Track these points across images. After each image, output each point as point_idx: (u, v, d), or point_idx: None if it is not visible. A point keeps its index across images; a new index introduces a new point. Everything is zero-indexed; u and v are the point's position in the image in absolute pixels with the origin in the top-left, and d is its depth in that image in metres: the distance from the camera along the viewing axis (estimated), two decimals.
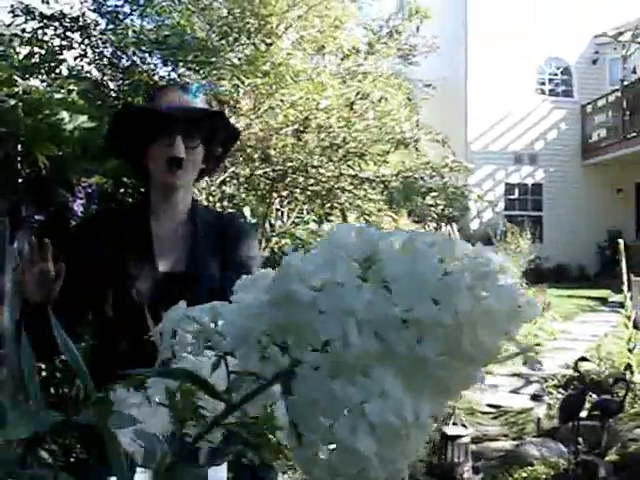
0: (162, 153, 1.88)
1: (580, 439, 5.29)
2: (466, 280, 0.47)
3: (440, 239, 0.50)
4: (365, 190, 5.85)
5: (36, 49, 5.02)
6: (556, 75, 17.99)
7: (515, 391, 7.22)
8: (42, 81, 4.08)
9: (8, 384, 3.92)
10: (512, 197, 17.24)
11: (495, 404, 6.71)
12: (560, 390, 6.93)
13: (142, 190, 2.17)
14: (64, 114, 3.76)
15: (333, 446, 0.45)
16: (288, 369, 0.50)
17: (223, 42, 5.65)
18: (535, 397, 6.51)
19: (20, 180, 3.90)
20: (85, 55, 6.18)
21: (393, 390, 0.45)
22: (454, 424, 4.46)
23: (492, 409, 6.63)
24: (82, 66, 5.84)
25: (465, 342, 0.47)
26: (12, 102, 3.55)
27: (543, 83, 17.93)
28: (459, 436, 4.19)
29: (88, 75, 5.49)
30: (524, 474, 5.16)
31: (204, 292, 1.77)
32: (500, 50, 16.39)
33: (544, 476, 5.10)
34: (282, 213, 6.59)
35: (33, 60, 4.08)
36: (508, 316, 0.49)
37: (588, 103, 17.41)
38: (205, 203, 5.96)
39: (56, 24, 6.10)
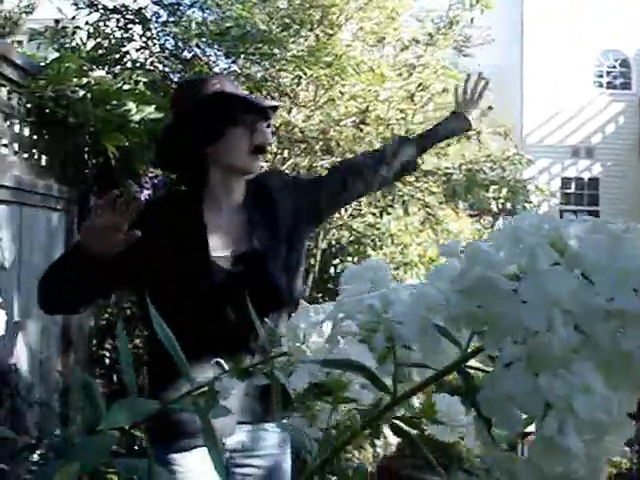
0: (247, 139, 1.85)
1: None
2: None
3: (631, 226, 0.48)
4: (426, 182, 5.80)
5: (101, 41, 5.07)
6: (614, 67, 17.61)
7: None
8: (108, 72, 4.11)
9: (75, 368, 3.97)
10: (568, 191, 16.96)
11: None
12: None
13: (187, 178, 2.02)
14: (131, 105, 3.79)
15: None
16: (465, 358, 0.48)
17: (285, 33, 5.64)
18: None
19: (88, 170, 3.95)
20: (146, 47, 6.24)
21: (596, 385, 0.42)
22: None
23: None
24: (145, 58, 5.89)
25: None
26: (81, 93, 3.59)
27: (601, 75, 17.57)
28: None
29: (151, 67, 5.52)
30: None
31: (272, 270, 1.81)
32: (556, 42, 16.11)
33: (607, 476, 4.99)
34: None
35: (100, 52, 4.11)
36: None
37: None
38: None
39: (118, 16, 6.16)
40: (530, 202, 6.52)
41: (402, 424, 0.54)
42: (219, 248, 1.82)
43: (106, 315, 4.29)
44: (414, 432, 0.55)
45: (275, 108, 2.02)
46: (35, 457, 3.24)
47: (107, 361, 4.22)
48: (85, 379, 0.94)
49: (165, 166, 2.35)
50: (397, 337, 0.48)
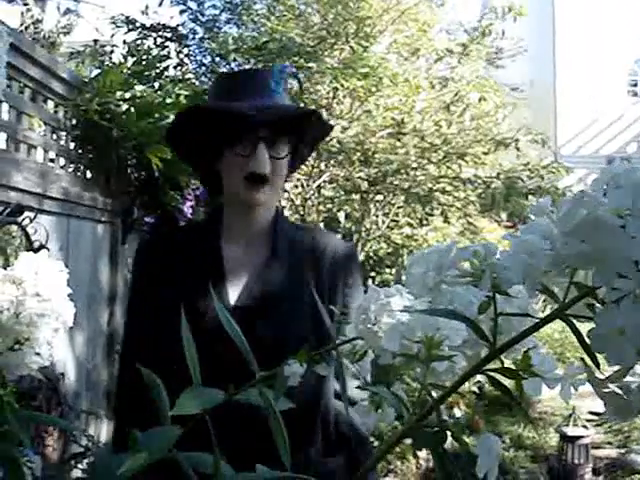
0: (240, 165, 1.49)
1: None
2: None
3: None
4: (465, 192, 5.80)
5: (140, 58, 5.16)
6: None
7: None
8: (149, 87, 4.18)
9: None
10: None
11: (597, 411, 6.52)
12: None
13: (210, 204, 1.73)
14: (173, 118, 3.84)
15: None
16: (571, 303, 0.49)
17: (320, 46, 5.70)
18: None
19: (132, 183, 4.01)
20: (182, 64, 6.33)
21: None
22: (574, 425, 4.35)
23: (594, 416, 6.45)
24: (182, 74, 5.99)
25: None
26: (125, 106, 3.65)
27: (635, 84, 17.45)
28: (580, 437, 4.08)
29: (189, 83, 5.61)
30: None
31: (287, 328, 1.47)
32: (589, 52, 16.04)
33: None
34: (377, 217, 6.57)
35: (140, 67, 4.18)
36: None
37: None
38: (301, 207, 6.01)
39: (155, 35, 6.28)
40: None
41: (499, 376, 0.55)
42: (234, 287, 1.50)
43: None
44: (509, 384, 0.56)
45: (290, 121, 1.54)
46: (83, 465, 3.29)
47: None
48: (149, 375, 0.95)
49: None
50: (504, 281, 0.50)
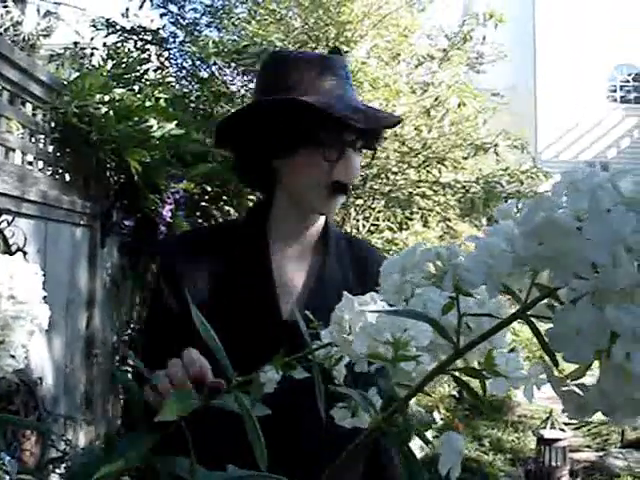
0: (323, 171, 1.33)
1: None
2: None
3: None
4: (445, 196, 5.83)
5: (120, 60, 5.15)
6: (627, 82, 17.65)
7: None
8: (129, 90, 4.17)
9: (98, 382, 4.00)
10: None
11: None
12: None
13: (252, 204, 1.55)
14: (153, 121, 3.84)
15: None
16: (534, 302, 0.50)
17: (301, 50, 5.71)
18: None
19: (111, 186, 4.00)
20: (163, 67, 6.33)
21: None
22: (552, 428, 4.38)
23: (573, 420, 6.49)
24: (161, 78, 5.98)
25: None
26: (104, 109, 3.64)
27: (614, 90, 17.61)
28: (557, 439, 4.11)
29: (169, 86, 5.60)
30: None
31: None
32: (569, 58, 16.17)
33: None
34: (357, 221, 6.58)
35: (119, 70, 4.17)
36: None
37: None
38: None
39: (135, 38, 6.27)
40: None
41: (463, 375, 0.56)
42: (284, 299, 1.35)
43: (129, 330, 4.33)
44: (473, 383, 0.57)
45: (392, 124, 1.45)
46: (61, 470, 3.27)
47: (130, 376, 4.24)
48: (126, 379, 0.95)
49: (225, 146, 1.55)
50: (466, 282, 0.51)
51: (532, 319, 0.51)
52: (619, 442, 5.86)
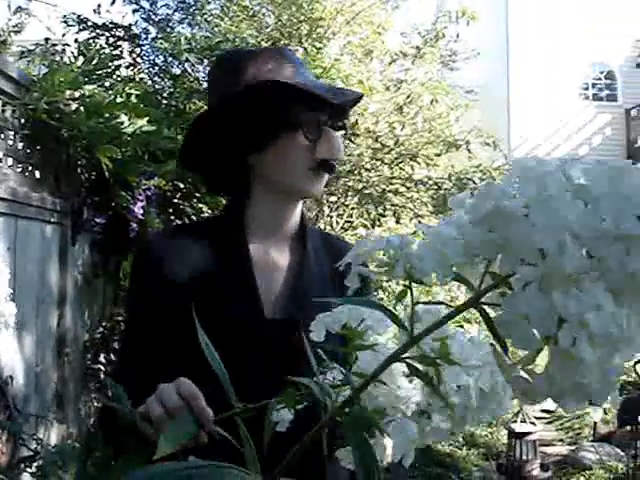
0: (305, 152, 1.31)
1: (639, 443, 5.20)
2: None
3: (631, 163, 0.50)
4: (417, 193, 5.85)
5: (92, 56, 5.11)
6: (599, 79, 17.78)
7: None
8: (99, 86, 4.14)
9: (70, 381, 3.97)
10: None
11: (549, 409, 6.62)
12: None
13: (227, 201, 1.47)
14: (124, 117, 3.81)
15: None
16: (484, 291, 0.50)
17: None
18: (591, 402, 6.40)
19: (82, 183, 3.97)
20: (135, 64, 6.29)
21: (606, 303, 0.45)
22: (522, 421, 4.41)
23: (546, 414, 6.55)
24: (133, 74, 5.94)
25: None
26: (74, 106, 3.61)
27: (586, 88, 17.72)
28: (528, 433, 4.14)
29: (141, 82, 5.57)
30: (582, 478, 5.09)
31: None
32: (542, 55, 16.27)
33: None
34: (331, 218, 6.59)
35: (90, 66, 4.13)
36: None
37: (633, 107, 17.18)
38: None
39: (107, 34, 6.22)
40: None
41: (418, 364, 0.56)
42: (266, 295, 1.33)
43: (101, 329, 4.30)
44: (430, 372, 0.57)
45: (357, 101, 1.43)
46: (32, 469, 3.24)
47: (102, 375, 4.22)
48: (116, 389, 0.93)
49: (191, 166, 1.48)
50: (417, 270, 0.51)
51: (485, 307, 0.51)
52: (591, 436, 5.92)
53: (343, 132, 1.39)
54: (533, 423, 4.42)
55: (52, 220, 3.76)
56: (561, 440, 5.96)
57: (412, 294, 0.54)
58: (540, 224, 0.45)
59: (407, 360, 0.56)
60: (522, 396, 0.47)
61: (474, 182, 6.01)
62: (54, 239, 3.83)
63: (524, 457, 4.03)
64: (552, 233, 0.44)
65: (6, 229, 3.29)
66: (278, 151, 1.32)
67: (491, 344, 0.48)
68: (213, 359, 0.74)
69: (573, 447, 5.70)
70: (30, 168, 3.65)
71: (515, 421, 4.46)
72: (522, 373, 0.47)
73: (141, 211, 4.02)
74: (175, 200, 4.61)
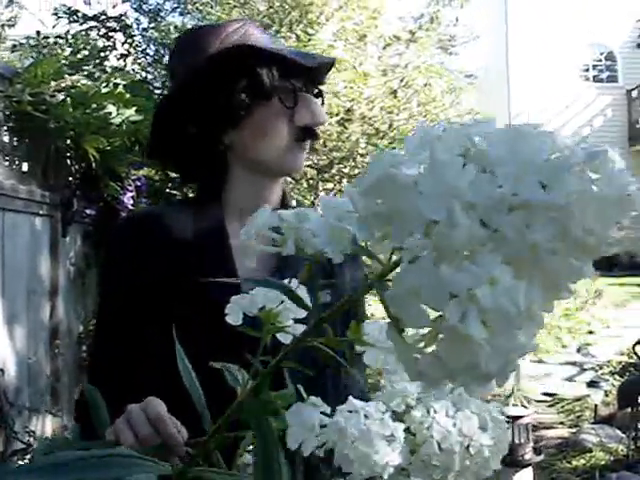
0: (286, 119, 1.23)
1: None
2: (576, 158, 0.43)
3: (541, 128, 0.47)
4: None
5: (83, 48, 5.08)
6: (600, 61, 17.68)
7: (570, 379, 7.10)
8: (88, 76, 4.11)
9: (64, 373, 3.96)
10: None
11: (550, 392, 6.60)
12: (616, 377, 6.79)
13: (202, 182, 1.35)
14: (111, 108, 3.79)
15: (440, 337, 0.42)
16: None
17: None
18: (591, 384, 6.39)
19: (71, 174, 3.94)
20: (128, 55, 6.26)
21: (503, 276, 0.42)
22: (514, 405, 4.39)
23: (547, 397, 6.53)
24: (125, 64, 5.91)
25: (575, 227, 0.43)
26: (60, 97, 3.58)
27: (587, 69, 17.63)
28: (520, 417, 4.12)
29: (132, 72, 5.55)
30: (582, 460, 5.07)
31: None
32: (542, 37, 16.19)
33: (603, 462, 5.00)
34: None
35: (78, 56, 4.11)
36: (618, 203, 0.46)
37: (633, 88, 17.07)
38: None
39: (99, 25, 6.19)
40: None
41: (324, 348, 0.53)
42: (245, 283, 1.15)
43: (94, 321, 4.28)
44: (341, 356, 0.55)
45: (330, 66, 1.33)
46: (25, 462, 3.23)
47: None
48: (91, 390, 0.90)
49: (161, 159, 1.39)
50: (309, 246, 0.48)
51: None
52: (592, 418, 5.89)
53: (320, 99, 1.30)
54: (525, 406, 4.40)
55: (41, 212, 3.74)
56: (562, 423, 5.94)
57: (312, 272, 0.51)
58: (427, 192, 0.42)
59: (316, 344, 0.53)
60: (418, 379, 0.44)
61: None
62: (44, 231, 3.81)
63: (516, 440, 4.01)
64: (440, 202, 0.41)
65: None
66: (254, 124, 1.22)
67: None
68: (191, 385, 0.69)
69: (574, 430, 5.68)
70: (17, 161, 3.63)
71: (507, 404, 4.44)
72: (416, 354, 0.44)
73: (131, 202, 3.99)
74: (167, 190, 4.58)
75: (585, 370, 7.37)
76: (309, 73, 1.24)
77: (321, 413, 0.67)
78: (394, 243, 0.44)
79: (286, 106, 1.22)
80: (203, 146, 1.26)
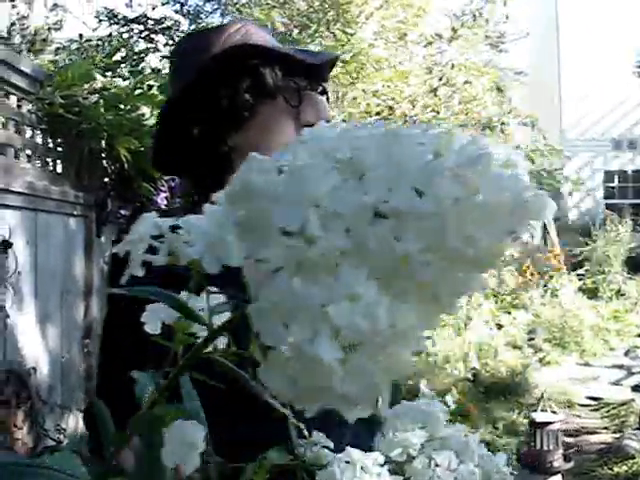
0: (291, 117, 1.21)
1: None
2: (450, 162, 0.40)
3: (435, 129, 0.44)
4: None
5: (124, 50, 5.14)
6: None
7: (616, 383, 6.94)
8: (125, 79, 4.15)
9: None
10: (611, 185, 16.62)
11: (595, 396, 6.46)
12: None
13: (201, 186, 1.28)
14: (145, 109, 3.82)
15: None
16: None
17: (303, 34, 5.65)
18: (637, 388, 6.24)
19: (106, 175, 3.99)
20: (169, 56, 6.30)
21: (366, 292, 0.39)
22: (543, 410, 4.29)
23: (592, 401, 6.39)
24: (163, 66, 5.96)
25: (450, 236, 0.40)
26: (94, 98, 3.62)
27: None
28: (548, 423, 4.03)
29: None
30: (625, 467, 4.94)
31: None
32: (593, 34, 15.87)
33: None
34: None
35: (115, 58, 4.15)
36: (510, 211, 0.42)
37: None
38: None
39: (140, 27, 6.25)
40: (561, 194, 6.42)
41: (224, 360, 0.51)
42: None
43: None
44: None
45: (333, 64, 1.34)
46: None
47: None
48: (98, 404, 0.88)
49: (164, 168, 1.42)
50: (182, 255, 0.46)
51: None
52: (636, 424, 5.74)
53: (325, 97, 1.28)
54: (554, 412, 4.30)
55: (75, 213, 3.79)
56: (605, 428, 5.81)
57: (206, 283, 0.49)
58: (284, 200, 0.39)
59: (212, 356, 0.51)
60: (274, 398, 0.42)
61: None
62: (79, 231, 3.86)
63: (545, 447, 3.91)
64: (296, 210, 0.39)
65: (25, 223, 3.32)
66: (259, 124, 1.20)
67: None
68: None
69: (617, 435, 5.54)
70: (51, 162, 3.68)
71: (535, 410, 4.34)
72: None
73: (165, 202, 4.02)
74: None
75: (633, 374, 7.20)
76: (312, 71, 1.23)
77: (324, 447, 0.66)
78: (248, 255, 0.41)
79: (291, 105, 1.21)
80: (207, 148, 1.23)
